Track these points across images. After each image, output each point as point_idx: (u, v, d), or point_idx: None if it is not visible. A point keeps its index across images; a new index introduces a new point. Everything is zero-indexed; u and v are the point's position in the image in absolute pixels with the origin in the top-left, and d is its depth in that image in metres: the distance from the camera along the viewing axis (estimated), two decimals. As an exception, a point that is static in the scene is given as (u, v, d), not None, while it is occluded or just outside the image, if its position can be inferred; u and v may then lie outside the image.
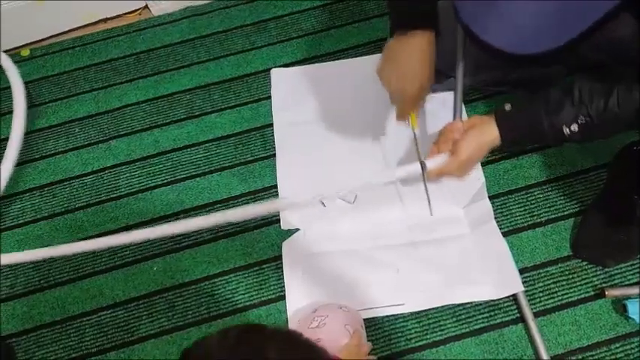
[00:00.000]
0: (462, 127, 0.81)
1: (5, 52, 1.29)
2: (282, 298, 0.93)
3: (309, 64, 1.19)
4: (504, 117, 0.78)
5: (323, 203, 1.00)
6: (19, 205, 1.08)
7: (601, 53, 0.88)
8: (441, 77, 0.98)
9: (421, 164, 0.80)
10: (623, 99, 0.70)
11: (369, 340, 0.85)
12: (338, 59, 1.19)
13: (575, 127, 0.73)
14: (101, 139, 1.15)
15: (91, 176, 1.10)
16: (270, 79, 1.18)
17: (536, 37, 0.62)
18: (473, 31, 0.64)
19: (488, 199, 0.97)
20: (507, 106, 0.79)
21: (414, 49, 0.80)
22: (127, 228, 1.03)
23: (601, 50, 0.87)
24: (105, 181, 1.09)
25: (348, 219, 0.99)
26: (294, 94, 1.15)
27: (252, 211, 0.87)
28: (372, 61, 1.16)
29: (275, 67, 1.20)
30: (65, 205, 1.07)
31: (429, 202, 0.87)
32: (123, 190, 1.08)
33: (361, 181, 0.85)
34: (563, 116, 0.73)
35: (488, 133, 0.78)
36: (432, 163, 0.80)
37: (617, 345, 0.85)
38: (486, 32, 0.63)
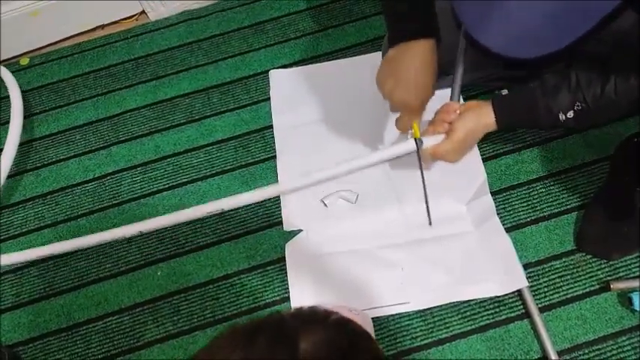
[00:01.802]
0: (458, 108, 0.80)
1: (4, 61, 1.30)
2: (287, 299, 0.93)
3: (307, 64, 1.19)
4: (501, 101, 0.77)
5: (325, 204, 1.00)
6: (23, 214, 1.08)
7: (601, 46, 0.87)
8: (439, 74, 0.98)
9: (416, 142, 0.79)
10: (620, 86, 0.70)
11: (376, 341, 0.85)
12: (336, 59, 1.19)
13: (570, 114, 0.73)
14: (102, 145, 1.15)
15: (93, 183, 1.10)
16: (268, 81, 1.18)
17: (536, 41, 0.61)
18: (472, 35, 0.64)
19: (490, 195, 0.97)
20: (504, 91, 0.79)
21: (416, 59, 0.78)
22: (130, 234, 1.03)
23: (601, 43, 0.87)
24: (107, 188, 1.09)
25: (350, 219, 0.98)
26: (294, 95, 1.15)
27: (257, 196, 0.87)
28: (370, 59, 1.17)
29: (273, 68, 1.20)
30: (68, 213, 1.08)
31: (428, 213, 0.86)
32: (125, 195, 1.08)
33: (356, 160, 0.83)
34: (560, 102, 0.73)
35: (484, 116, 0.77)
36: (427, 142, 0.79)
37: (624, 338, 0.84)
38: (486, 36, 0.63)
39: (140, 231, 0.89)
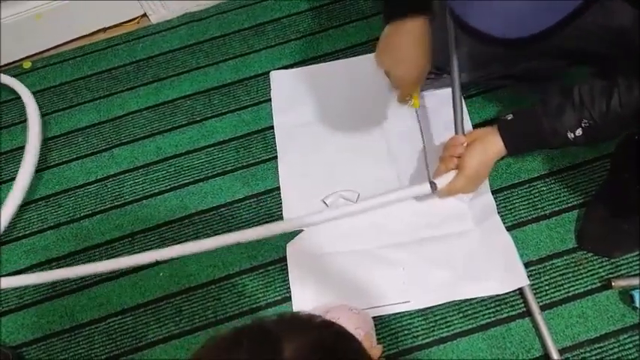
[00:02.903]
0: (465, 140, 0.82)
1: (7, 65, 1.32)
2: (288, 299, 0.93)
3: (308, 65, 1.20)
4: (507, 127, 0.78)
5: (326, 203, 1.00)
6: (26, 216, 1.09)
7: (601, 44, 0.87)
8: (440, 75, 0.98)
9: (431, 185, 0.83)
10: (625, 98, 0.69)
11: (377, 340, 0.85)
12: (337, 59, 1.20)
13: (579, 132, 0.73)
14: (104, 147, 1.16)
15: (95, 185, 1.11)
16: (269, 82, 1.19)
17: (525, 18, 0.61)
18: (461, 18, 0.64)
19: (490, 194, 0.97)
20: (509, 116, 0.80)
21: (410, 35, 0.81)
22: (132, 235, 1.04)
23: (602, 41, 0.87)
24: (109, 189, 1.10)
25: (351, 218, 0.98)
26: (294, 95, 1.15)
27: (265, 231, 0.95)
28: (371, 59, 1.15)
29: (274, 69, 1.20)
30: (70, 215, 1.08)
31: (430, 179, 0.88)
32: (127, 197, 1.09)
33: (374, 199, 0.91)
34: (566, 121, 0.73)
35: (492, 145, 0.79)
36: (441, 182, 0.83)
37: (626, 336, 0.84)
38: (475, 18, 0.63)
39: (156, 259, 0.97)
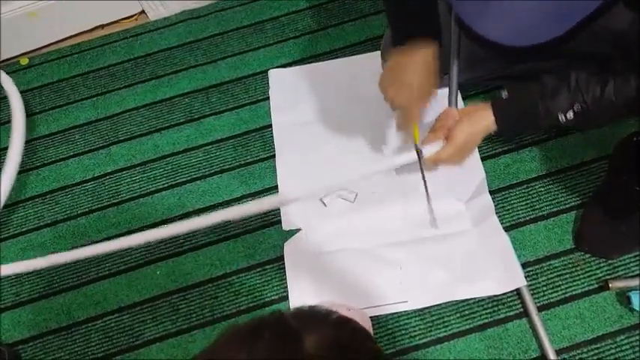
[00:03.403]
0: (457, 113, 0.81)
1: (4, 61, 1.31)
2: (286, 298, 0.93)
3: (306, 63, 1.19)
4: (500, 103, 0.78)
5: (324, 203, 1.00)
6: (22, 213, 1.09)
7: (601, 45, 0.87)
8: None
9: (417, 152, 0.80)
10: (620, 87, 0.70)
11: (375, 340, 0.85)
12: (335, 58, 1.19)
13: (570, 115, 0.73)
14: (101, 145, 1.15)
15: (92, 182, 1.11)
16: (268, 80, 1.18)
17: (535, 28, 0.62)
18: (468, 24, 0.64)
19: (488, 194, 0.97)
20: (504, 94, 0.79)
21: (419, 62, 0.79)
22: (129, 233, 1.03)
23: (601, 42, 0.87)
24: (106, 187, 1.10)
25: (349, 218, 0.98)
26: (293, 94, 1.15)
27: (254, 208, 0.89)
28: (369, 58, 1.17)
29: (272, 67, 1.20)
30: (67, 212, 1.08)
31: (432, 217, 0.88)
32: (124, 195, 1.08)
33: (358, 172, 0.84)
34: (559, 103, 0.73)
35: (483, 119, 0.78)
36: (428, 150, 0.80)
37: (622, 337, 0.84)
38: (483, 25, 0.63)
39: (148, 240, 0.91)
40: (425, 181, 0.86)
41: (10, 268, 0.96)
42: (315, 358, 0.37)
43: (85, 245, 0.98)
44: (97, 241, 1.03)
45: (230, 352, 0.39)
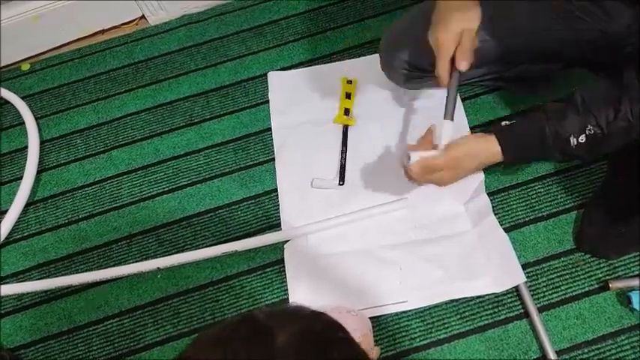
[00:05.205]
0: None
1: (5, 66, 1.32)
2: (286, 301, 0.93)
3: (306, 67, 1.20)
4: (503, 128, 0.74)
5: (313, 185, 1.02)
6: (24, 218, 1.09)
7: (598, 49, 0.87)
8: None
9: (407, 156, 0.76)
10: (636, 108, 0.66)
11: (374, 341, 0.85)
12: (334, 61, 1.20)
13: (582, 138, 0.69)
14: (102, 149, 1.16)
15: (94, 187, 1.11)
16: (267, 84, 1.19)
17: None
18: None
19: (486, 194, 0.97)
20: (504, 123, 0.75)
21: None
22: (130, 237, 1.04)
23: (598, 46, 0.87)
24: (107, 191, 1.10)
25: (349, 219, 0.99)
26: (292, 97, 1.15)
27: (262, 240, 0.97)
28: (368, 61, 1.17)
29: (272, 71, 1.20)
30: (69, 216, 1.08)
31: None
32: (125, 199, 1.09)
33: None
34: (569, 125, 0.70)
35: (488, 143, 0.74)
36: (415, 157, 0.76)
37: (623, 337, 0.84)
38: None
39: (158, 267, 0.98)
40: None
41: (11, 289, 0.98)
42: (288, 350, 0.38)
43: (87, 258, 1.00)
44: (103, 245, 1.03)
45: (204, 354, 0.39)
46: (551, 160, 0.72)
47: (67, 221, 1.08)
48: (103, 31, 1.35)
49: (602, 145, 0.70)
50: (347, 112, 1.10)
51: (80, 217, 1.08)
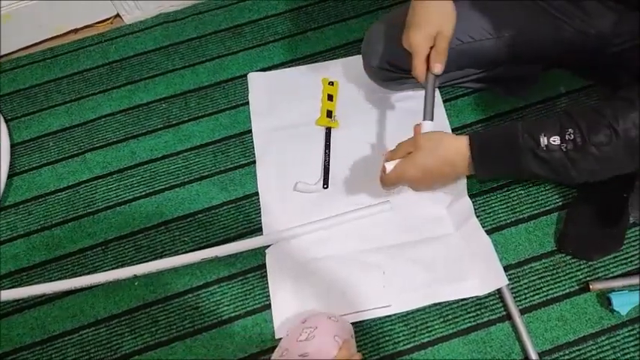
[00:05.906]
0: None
1: (-27, 67, 1.26)
2: (268, 307, 0.91)
3: (286, 67, 1.18)
4: (476, 133, 0.75)
5: (297, 188, 1.00)
6: (-6, 224, 1.05)
7: (579, 50, 0.88)
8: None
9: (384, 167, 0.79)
10: (624, 113, 0.63)
11: (357, 346, 0.84)
12: (315, 62, 1.18)
13: (556, 140, 0.65)
14: (76, 152, 1.12)
15: (67, 191, 1.08)
16: (247, 85, 1.17)
17: None
18: None
19: (467, 197, 0.97)
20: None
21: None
22: (105, 243, 1.01)
23: (579, 49, 0.87)
24: (81, 196, 1.07)
25: (332, 223, 0.97)
26: (273, 98, 1.14)
27: (243, 245, 0.95)
28: (349, 62, 1.16)
29: (252, 72, 1.18)
30: (41, 222, 1.05)
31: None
32: (100, 204, 1.05)
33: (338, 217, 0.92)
34: (543, 124, 0.67)
35: (454, 138, 0.75)
36: (390, 166, 0.80)
37: (604, 338, 0.85)
38: None
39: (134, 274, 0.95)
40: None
41: (11, 294, 0.94)
42: None
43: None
44: (77, 252, 1.00)
45: None
46: (526, 169, 0.68)
47: (39, 227, 1.04)
48: (76, 30, 1.31)
49: (580, 162, 0.65)
50: (329, 114, 1.08)
51: (53, 222, 1.04)
